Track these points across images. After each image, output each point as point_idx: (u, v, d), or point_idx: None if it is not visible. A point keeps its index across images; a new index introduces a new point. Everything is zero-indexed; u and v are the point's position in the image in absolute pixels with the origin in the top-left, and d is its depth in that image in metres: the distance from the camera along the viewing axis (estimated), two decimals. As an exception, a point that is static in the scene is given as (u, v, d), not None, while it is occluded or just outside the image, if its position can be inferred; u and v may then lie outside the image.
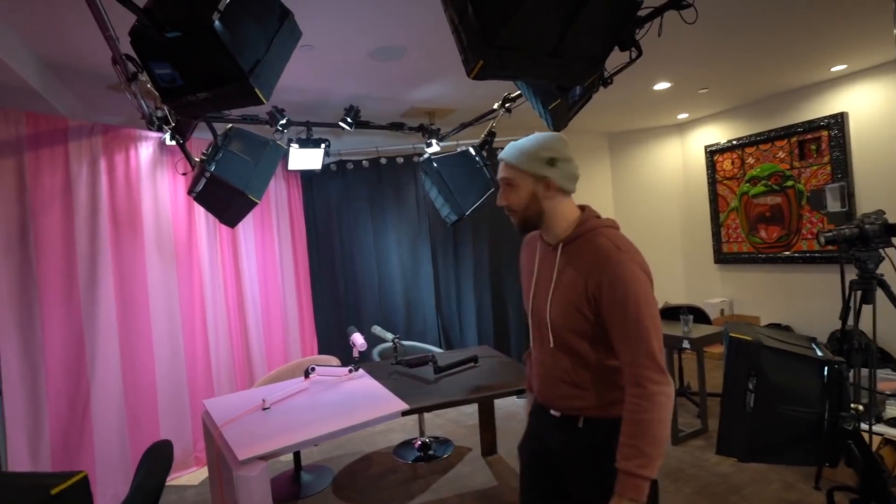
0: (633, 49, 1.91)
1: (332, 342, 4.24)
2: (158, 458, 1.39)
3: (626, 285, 1.10)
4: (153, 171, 3.13)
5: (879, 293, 2.08)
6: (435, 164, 3.01)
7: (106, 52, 2.49)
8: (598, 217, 1.27)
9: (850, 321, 2.21)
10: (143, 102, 2.71)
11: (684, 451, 2.98)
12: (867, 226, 2.03)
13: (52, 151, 2.71)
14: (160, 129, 3.08)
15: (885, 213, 2.07)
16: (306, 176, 4.20)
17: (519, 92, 2.91)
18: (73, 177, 2.76)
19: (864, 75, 3.87)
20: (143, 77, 2.30)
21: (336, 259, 4.30)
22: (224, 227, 3.55)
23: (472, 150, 3.12)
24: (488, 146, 3.13)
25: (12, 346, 2.51)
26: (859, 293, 2.12)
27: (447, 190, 2.96)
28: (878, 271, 2.08)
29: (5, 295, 2.50)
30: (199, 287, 3.35)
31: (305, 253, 4.20)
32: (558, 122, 2.14)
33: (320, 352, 4.23)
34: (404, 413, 2.21)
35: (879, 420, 2.40)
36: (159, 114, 3.10)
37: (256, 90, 1.43)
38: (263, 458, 1.82)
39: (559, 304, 1.21)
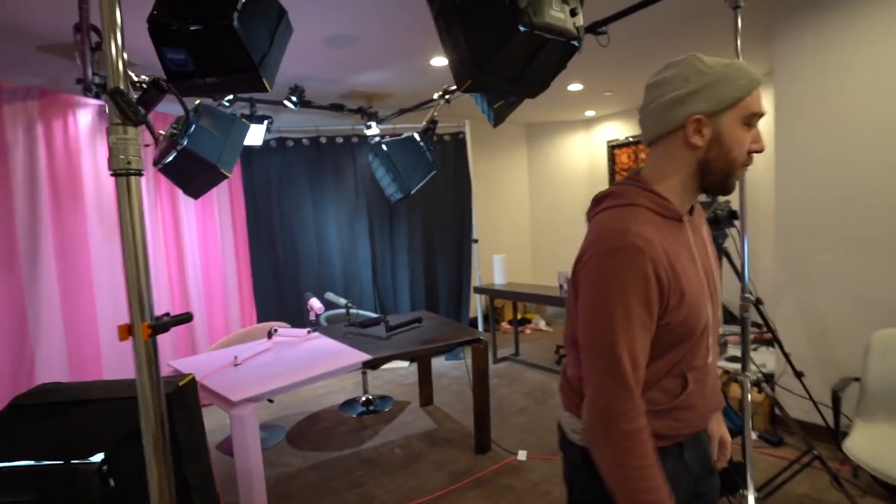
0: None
1: (270, 314, 4.39)
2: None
3: None
4: (93, 140, 3.06)
5: (724, 263, 2.82)
6: (384, 147, 3.31)
7: (40, 12, 2.44)
8: None
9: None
10: (88, 70, 2.67)
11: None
12: (718, 212, 2.74)
13: (-17, 114, 2.60)
14: (97, 97, 3.02)
15: (730, 202, 2.80)
16: (245, 151, 4.24)
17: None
18: (9, 141, 2.66)
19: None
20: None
21: (276, 233, 4.42)
22: (165, 198, 3.55)
23: (416, 136, 3.46)
24: (430, 132, 3.49)
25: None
26: (712, 261, 2.85)
27: (395, 170, 3.28)
28: (725, 245, 2.82)
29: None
30: (141, 258, 3.35)
31: (245, 227, 4.27)
32: (499, 118, 2.58)
33: (259, 322, 4.36)
34: (366, 364, 2.56)
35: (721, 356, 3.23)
36: (96, 80, 3.03)
37: (264, 80, 1.65)
38: (251, 400, 2.08)
39: (718, 287, 0.93)
